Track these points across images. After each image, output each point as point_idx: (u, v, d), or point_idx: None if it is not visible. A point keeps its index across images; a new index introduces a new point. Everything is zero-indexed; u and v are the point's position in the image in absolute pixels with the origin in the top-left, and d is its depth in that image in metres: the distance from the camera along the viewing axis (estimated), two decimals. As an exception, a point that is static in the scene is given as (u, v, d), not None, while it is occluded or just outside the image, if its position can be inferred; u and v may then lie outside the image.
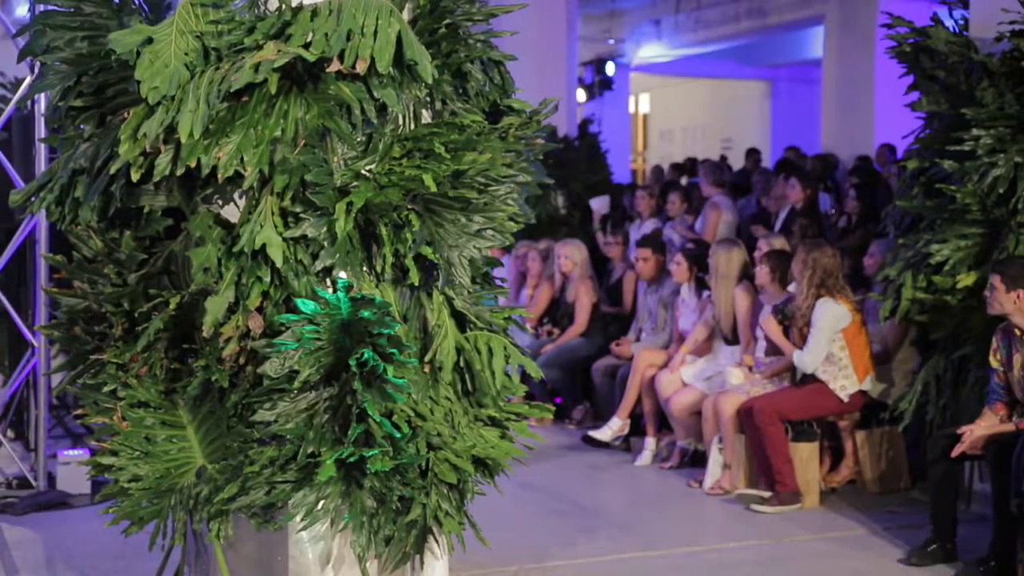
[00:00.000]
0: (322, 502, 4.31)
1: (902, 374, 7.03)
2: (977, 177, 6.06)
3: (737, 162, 16.55)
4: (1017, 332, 5.55)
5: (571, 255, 9.30)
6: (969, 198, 6.08)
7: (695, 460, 7.42)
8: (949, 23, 6.54)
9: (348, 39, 4.21)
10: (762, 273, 7.29)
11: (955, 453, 5.51)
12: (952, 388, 6.22)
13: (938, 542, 5.59)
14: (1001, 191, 6.02)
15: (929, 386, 6.30)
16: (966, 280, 6.10)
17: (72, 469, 6.75)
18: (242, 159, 4.24)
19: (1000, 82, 6.14)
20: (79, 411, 4.82)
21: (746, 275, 7.60)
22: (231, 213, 4.43)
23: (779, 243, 7.81)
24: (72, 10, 4.71)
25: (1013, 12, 6.18)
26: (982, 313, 5.96)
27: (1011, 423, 5.49)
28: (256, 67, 4.20)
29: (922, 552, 5.60)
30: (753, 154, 16.63)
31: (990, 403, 5.66)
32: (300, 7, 4.36)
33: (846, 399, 6.81)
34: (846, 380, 6.80)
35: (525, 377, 4.93)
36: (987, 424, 5.53)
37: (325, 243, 4.30)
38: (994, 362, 5.68)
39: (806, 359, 6.77)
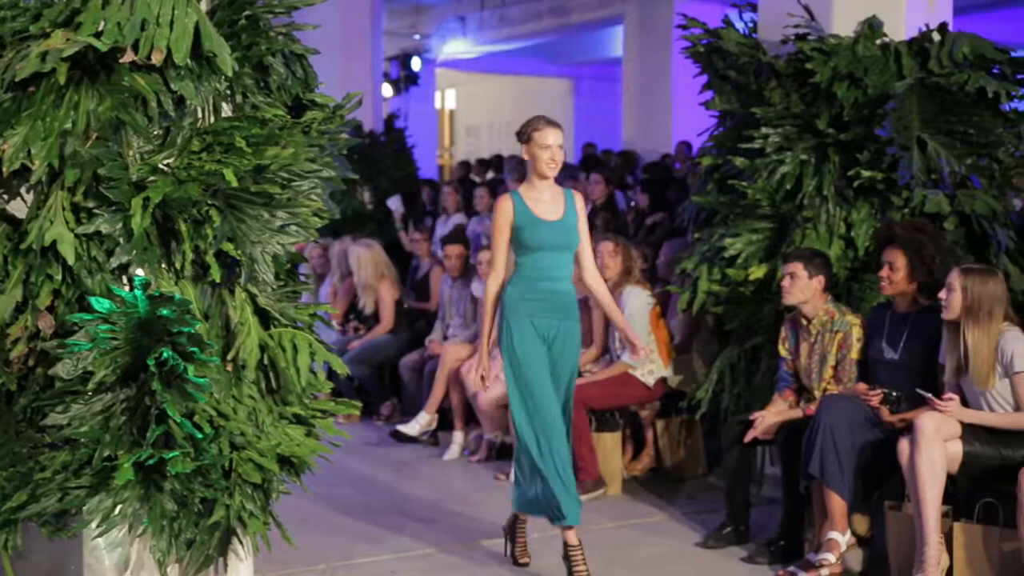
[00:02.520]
0: (119, 507, 4.21)
1: (699, 364, 7.20)
2: (766, 174, 6.25)
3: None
4: (804, 322, 5.75)
5: (360, 256, 9.18)
6: (759, 194, 6.27)
7: (502, 453, 7.46)
8: (740, 25, 6.72)
9: (143, 29, 4.13)
10: None
11: (747, 439, 5.68)
12: (745, 377, 6.40)
13: (732, 525, 5.75)
14: (788, 187, 6.22)
15: (724, 375, 6.47)
16: (757, 272, 6.30)
17: None
18: (29, 152, 4.10)
19: (786, 83, 6.34)
20: None
21: None
22: (18, 208, 4.28)
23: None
24: None
25: (797, 16, 6.40)
26: (773, 304, 6.16)
27: (799, 409, 5.69)
28: (43, 56, 4.08)
29: (717, 535, 5.75)
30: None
31: (780, 390, 5.85)
32: None
33: (652, 384, 6.96)
34: (653, 365, 6.95)
35: (332, 374, 4.87)
36: (777, 410, 5.72)
37: (121, 239, 4.20)
38: (783, 351, 5.87)
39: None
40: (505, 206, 5.36)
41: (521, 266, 5.40)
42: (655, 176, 11.14)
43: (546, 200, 5.34)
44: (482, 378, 5.58)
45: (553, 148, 5.28)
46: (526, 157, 5.43)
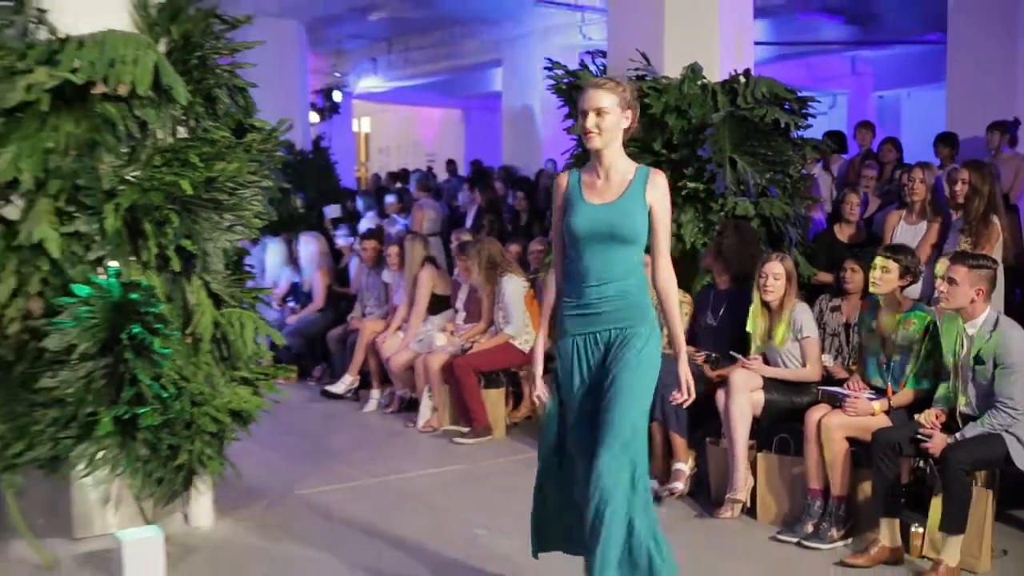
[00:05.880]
0: (101, 453, 4.20)
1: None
2: (615, 184, 6.32)
3: (440, 173, 16.70)
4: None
5: (307, 245, 9.23)
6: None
7: (410, 406, 7.46)
8: (592, 68, 6.80)
9: (111, 66, 4.12)
10: (459, 263, 7.45)
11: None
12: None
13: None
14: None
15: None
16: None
17: None
18: (19, 167, 4.05)
19: (630, 113, 6.42)
20: None
21: (429, 260, 7.77)
22: (11, 212, 4.21)
23: (466, 236, 8.08)
24: None
25: (638, 61, 6.50)
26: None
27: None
28: (28, 88, 4.05)
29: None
30: (450, 164, 16.85)
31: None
32: (67, 38, 4.22)
33: (527, 350, 7.00)
34: (528, 335, 6.99)
35: (273, 345, 4.85)
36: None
37: (97, 237, 4.20)
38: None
39: (514, 327, 6.93)
40: (559, 183, 3.57)
41: (569, 263, 3.50)
42: (525, 187, 11.19)
43: (602, 180, 3.44)
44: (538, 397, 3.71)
45: (591, 113, 3.37)
46: None
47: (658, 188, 3.42)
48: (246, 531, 4.78)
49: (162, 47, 4.41)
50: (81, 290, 4.05)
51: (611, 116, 3.37)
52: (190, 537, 4.61)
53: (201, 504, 4.76)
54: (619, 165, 3.45)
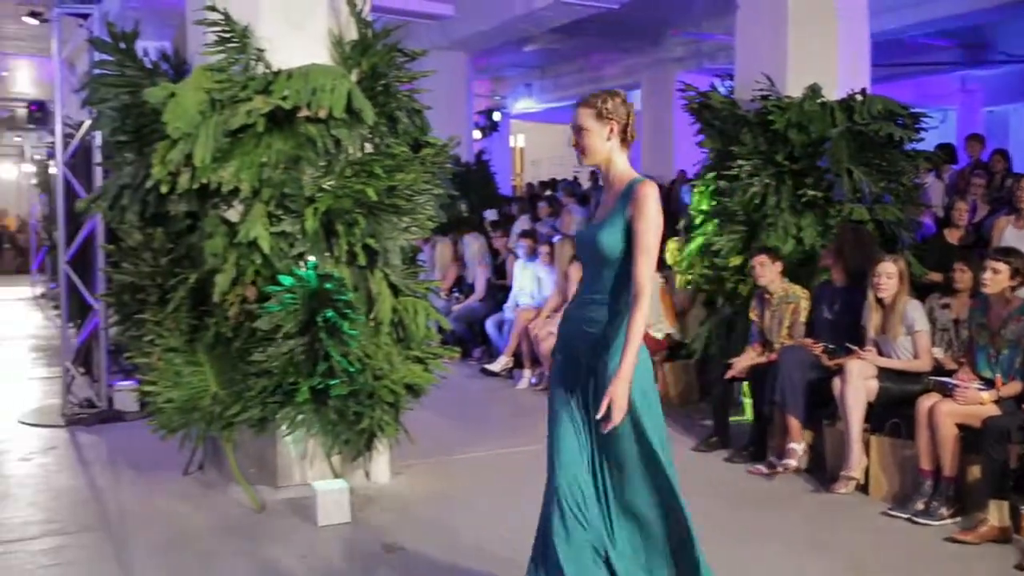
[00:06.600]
0: (300, 416, 4.28)
1: (694, 325, 7.13)
2: (741, 192, 6.15)
3: (584, 182, 16.62)
4: (767, 296, 5.67)
5: (471, 244, 9.36)
6: (736, 206, 6.18)
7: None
8: (722, 89, 6.63)
9: (313, 94, 4.18)
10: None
11: (728, 376, 5.61)
12: (726, 333, 6.33)
13: (717, 436, 5.69)
14: (757, 202, 6.13)
15: (711, 332, 6.40)
16: (735, 261, 6.21)
17: (125, 394, 6.60)
18: (239, 178, 4.17)
19: (755, 129, 6.23)
20: (128, 354, 4.76)
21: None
22: (232, 215, 4.35)
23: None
24: (118, 73, 4.58)
25: (762, 83, 6.29)
26: (745, 284, 6.08)
27: (764, 357, 5.61)
28: (248, 113, 4.15)
29: (707, 442, 5.70)
30: (594, 175, 16.75)
31: (751, 343, 5.77)
32: (279, 71, 4.30)
33: (661, 338, 6.90)
34: (661, 324, 6.88)
35: (440, 329, 4.90)
36: (748, 357, 5.64)
37: (299, 236, 4.27)
38: (753, 316, 5.79)
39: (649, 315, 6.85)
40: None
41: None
42: (662, 194, 10.99)
43: (607, 198, 2.78)
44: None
45: (574, 134, 2.81)
46: None
47: (636, 202, 2.60)
48: (417, 486, 4.84)
49: (354, 77, 4.48)
50: (286, 280, 4.15)
51: (589, 133, 2.75)
52: (370, 489, 4.69)
53: (380, 462, 4.83)
54: (615, 180, 2.75)
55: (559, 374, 2.81)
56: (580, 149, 2.78)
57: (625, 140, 2.77)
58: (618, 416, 2.51)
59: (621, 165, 2.77)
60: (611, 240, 2.63)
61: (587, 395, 2.69)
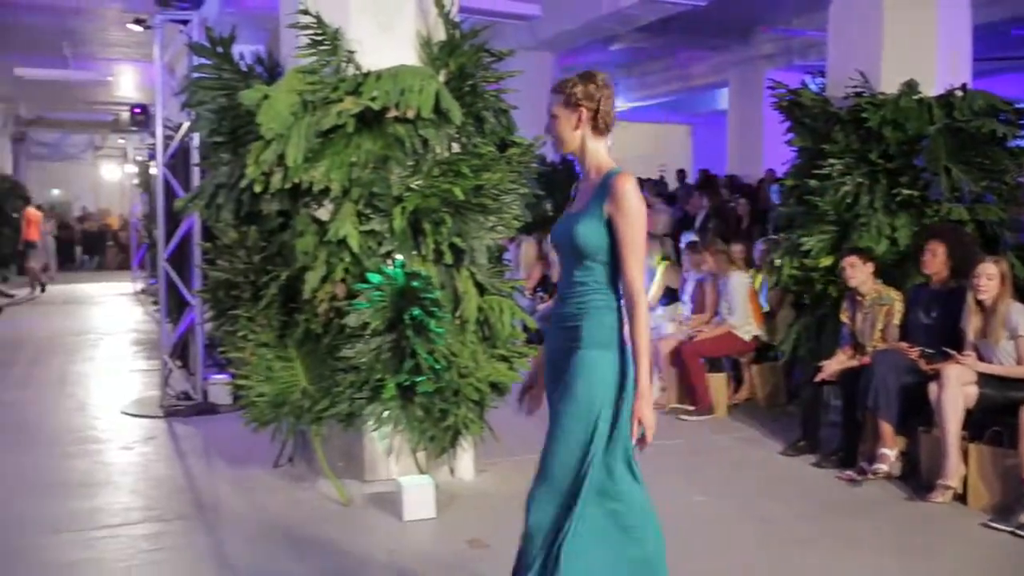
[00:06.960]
0: (387, 412, 4.31)
1: (782, 326, 6.98)
2: (833, 191, 5.99)
3: (671, 182, 16.43)
4: (859, 297, 5.51)
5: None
6: (827, 206, 6.02)
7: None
8: (813, 86, 6.47)
9: (401, 94, 4.20)
10: (689, 259, 7.31)
11: (817, 379, 5.48)
12: (816, 335, 6.18)
13: (806, 439, 5.57)
14: (848, 201, 5.96)
15: (800, 334, 6.25)
16: (825, 262, 6.05)
17: (219, 388, 6.78)
18: (330, 177, 4.23)
19: (847, 127, 6.06)
20: (222, 348, 4.85)
21: (665, 258, 7.64)
22: (323, 214, 4.41)
23: (694, 237, 7.93)
24: (215, 76, 4.69)
25: (855, 80, 6.12)
26: (836, 285, 5.92)
27: (855, 360, 5.46)
28: (339, 114, 4.19)
29: (795, 446, 5.58)
30: (680, 174, 16.55)
31: (841, 346, 5.62)
32: (368, 73, 4.35)
33: (749, 339, 6.78)
34: (749, 326, 6.77)
35: (525, 328, 4.91)
36: (839, 360, 5.49)
37: (387, 235, 4.30)
38: (844, 318, 5.64)
39: (737, 318, 6.74)
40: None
41: None
42: (750, 193, 10.81)
43: (584, 188, 2.66)
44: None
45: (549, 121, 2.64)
46: None
47: (614, 197, 2.44)
48: (500, 483, 4.85)
49: (442, 77, 4.51)
50: (374, 278, 4.20)
51: (558, 121, 2.60)
52: (454, 485, 4.71)
53: (464, 459, 4.84)
54: (590, 169, 2.60)
55: (546, 375, 2.70)
56: (552, 137, 2.64)
57: (597, 128, 2.59)
58: (649, 435, 2.42)
59: (596, 154, 2.60)
60: (587, 232, 2.48)
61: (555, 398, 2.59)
